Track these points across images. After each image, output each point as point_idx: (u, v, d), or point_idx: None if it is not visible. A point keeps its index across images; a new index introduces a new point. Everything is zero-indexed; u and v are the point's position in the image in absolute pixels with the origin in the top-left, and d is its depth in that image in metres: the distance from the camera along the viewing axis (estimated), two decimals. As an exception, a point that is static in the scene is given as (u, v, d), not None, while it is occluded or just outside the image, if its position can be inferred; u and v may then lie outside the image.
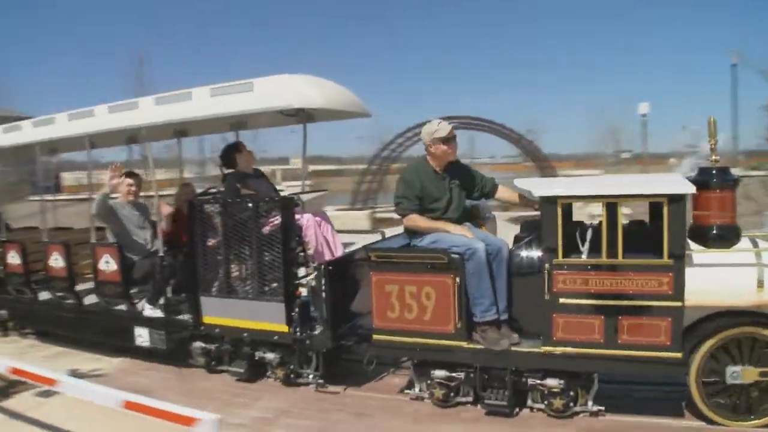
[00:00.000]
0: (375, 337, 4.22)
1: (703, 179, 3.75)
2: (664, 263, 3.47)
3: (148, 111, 5.02)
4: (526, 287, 3.93)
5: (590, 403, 3.83)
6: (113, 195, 5.41)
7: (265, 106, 4.56)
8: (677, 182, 3.55)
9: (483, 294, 3.87)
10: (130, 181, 5.52)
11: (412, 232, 4.25)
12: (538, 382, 3.87)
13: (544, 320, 3.74)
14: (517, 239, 4.27)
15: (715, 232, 3.72)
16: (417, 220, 4.13)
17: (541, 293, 3.80)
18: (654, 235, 3.55)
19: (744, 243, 3.72)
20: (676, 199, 3.44)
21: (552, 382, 3.82)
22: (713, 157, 3.79)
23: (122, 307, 5.35)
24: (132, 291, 5.34)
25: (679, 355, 3.51)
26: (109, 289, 5.33)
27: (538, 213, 4.51)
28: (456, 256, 3.89)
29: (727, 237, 3.72)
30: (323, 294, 4.37)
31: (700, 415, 3.67)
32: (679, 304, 3.47)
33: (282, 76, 4.59)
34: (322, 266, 4.40)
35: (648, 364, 3.56)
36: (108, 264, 5.25)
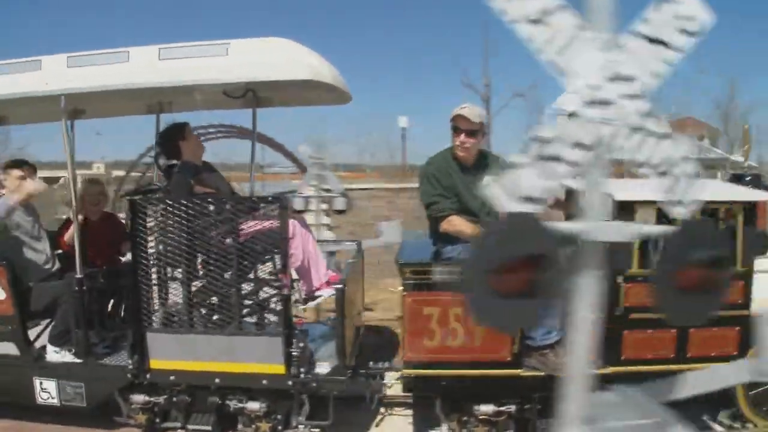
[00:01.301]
0: (406, 371, 3.44)
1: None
2: (737, 271, 3.33)
3: (57, 73, 3.50)
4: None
5: None
6: None
7: (249, 75, 3.42)
8: (751, 190, 3.46)
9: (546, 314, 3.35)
10: (19, 173, 3.74)
11: (444, 239, 3.55)
12: (599, 406, 3.49)
13: (610, 338, 3.37)
14: None
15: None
16: (460, 224, 3.44)
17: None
18: None
19: (773, 249, 3.79)
20: (750, 207, 3.33)
21: (615, 405, 3.47)
22: (746, 164, 3.80)
23: (11, 350, 3.70)
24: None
25: None
26: None
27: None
28: (517, 269, 3.31)
29: (762, 244, 3.75)
30: (340, 323, 3.45)
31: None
32: (747, 312, 3.37)
33: (266, 39, 3.49)
34: (337, 287, 3.47)
35: (713, 377, 3.41)
36: None
